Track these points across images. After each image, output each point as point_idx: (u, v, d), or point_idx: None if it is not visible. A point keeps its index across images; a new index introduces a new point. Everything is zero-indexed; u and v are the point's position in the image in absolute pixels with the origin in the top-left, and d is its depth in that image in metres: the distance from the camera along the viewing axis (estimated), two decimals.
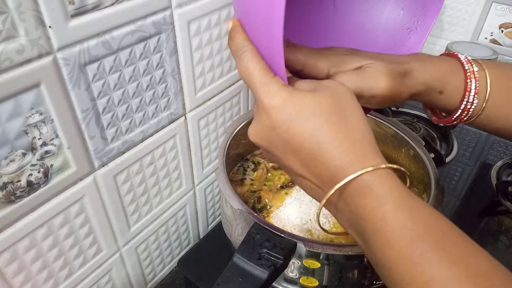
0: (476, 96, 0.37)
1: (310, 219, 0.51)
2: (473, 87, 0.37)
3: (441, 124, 0.42)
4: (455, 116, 0.39)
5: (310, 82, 0.31)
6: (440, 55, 0.41)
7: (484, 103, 0.37)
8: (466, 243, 0.25)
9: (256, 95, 0.30)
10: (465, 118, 0.39)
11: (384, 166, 0.27)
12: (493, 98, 0.37)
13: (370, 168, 0.27)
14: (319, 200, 0.30)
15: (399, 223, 0.26)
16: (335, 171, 0.28)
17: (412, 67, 0.36)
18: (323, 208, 0.30)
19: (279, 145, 0.30)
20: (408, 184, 0.33)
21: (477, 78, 0.37)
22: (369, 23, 0.42)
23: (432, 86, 0.37)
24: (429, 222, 0.26)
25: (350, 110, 0.29)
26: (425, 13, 0.40)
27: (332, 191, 0.28)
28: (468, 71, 0.37)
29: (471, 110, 0.38)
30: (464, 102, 0.37)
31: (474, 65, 0.37)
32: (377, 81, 0.34)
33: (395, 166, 0.28)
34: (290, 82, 0.31)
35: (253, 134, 0.31)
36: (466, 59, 0.38)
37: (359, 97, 0.34)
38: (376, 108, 0.38)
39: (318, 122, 0.28)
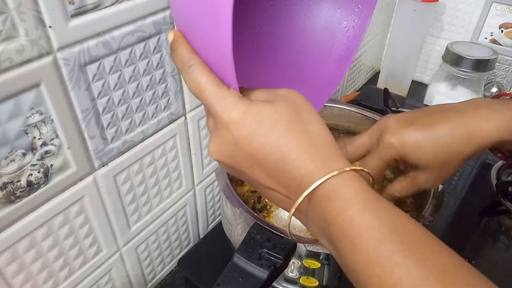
0: None
1: None
2: None
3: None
4: None
5: (265, 92, 0.31)
6: (502, 98, 0.40)
7: None
8: (432, 241, 0.25)
9: (212, 111, 0.29)
10: None
11: (348, 168, 0.27)
12: None
13: (336, 172, 0.27)
14: (289, 210, 0.30)
15: (366, 225, 0.26)
16: (301, 179, 0.27)
17: (476, 131, 0.36)
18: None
19: (243, 160, 0.29)
20: (372, 185, 0.32)
21: None
22: (309, 23, 0.41)
23: (505, 140, 0.37)
24: (395, 223, 0.26)
25: (308, 116, 0.29)
26: (361, 11, 0.39)
27: (300, 199, 0.27)
28: None
29: None
30: None
31: None
32: (432, 182, 0.38)
33: (358, 168, 0.28)
34: (243, 92, 0.30)
35: (214, 152, 0.30)
36: None
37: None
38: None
39: (280, 132, 0.28)
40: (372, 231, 0.25)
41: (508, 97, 0.39)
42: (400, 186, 0.43)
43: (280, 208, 0.54)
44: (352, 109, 0.62)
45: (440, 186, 0.47)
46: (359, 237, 0.26)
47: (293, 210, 0.28)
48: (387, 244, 0.25)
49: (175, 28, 0.32)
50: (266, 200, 0.56)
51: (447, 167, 0.40)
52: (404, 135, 0.39)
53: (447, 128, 0.38)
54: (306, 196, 0.27)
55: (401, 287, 0.23)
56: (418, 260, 0.24)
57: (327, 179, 0.27)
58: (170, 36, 0.31)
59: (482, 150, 0.38)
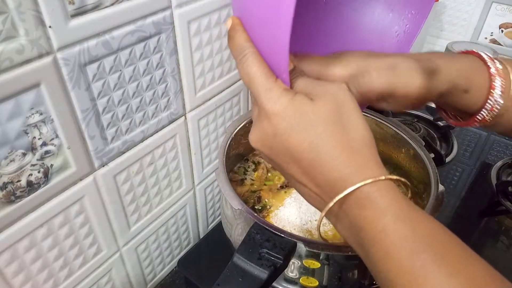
0: (502, 94, 0.35)
1: (310, 220, 0.51)
2: (498, 85, 0.35)
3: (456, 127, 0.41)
4: (479, 117, 0.36)
5: (314, 84, 0.30)
6: (458, 53, 0.39)
7: (510, 103, 0.35)
8: (466, 253, 0.25)
9: (258, 100, 0.30)
10: (488, 119, 0.36)
11: (384, 177, 0.27)
12: None
13: (370, 180, 0.27)
14: (320, 209, 0.30)
15: (399, 234, 0.26)
16: (334, 183, 0.27)
17: (438, 64, 0.35)
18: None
19: (280, 153, 0.30)
20: (409, 194, 0.32)
21: (502, 76, 0.35)
22: (361, 24, 0.41)
23: (457, 84, 0.35)
24: (429, 233, 0.26)
25: (350, 117, 0.29)
26: (414, 17, 0.39)
27: (332, 203, 0.28)
28: (491, 68, 0.35)
29: (495, 110, 0.35)
30: (491, 102, 0.35)
31: (497, 63, 0.36)
32: (412, 78, 0.32)
33: (395, 177, 0.28)
34: (292, 79, 0.30)
35: (255, 140, 0.31)
36: (488, 57, 0.36)
37: (390, 96, 0.32)
38: (400, 110, 0.37)
39: (317, 132, 0.28)
40: (405, 241, 0.25)
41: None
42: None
43: (280, 208, 0.54)
44: None
45: (441, 186, 0.47)
46: (392, 246, 0.26)
47: (324, 212, 0.29)
48: (421, 254, 0.25)
49: (233, 14, 0.32)
50: (266, 200, 0.56)
51: (421, 70, 0.35)
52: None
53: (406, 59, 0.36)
54: (338, 200, 0.27)
55: None
56: (451, 272, 0.24)
57: (360, 186, 0.26)
58: (228, 23, 0.32)
59: (442, 81, 0.35)
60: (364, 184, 0.26)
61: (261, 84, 0.29)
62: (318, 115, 0.28)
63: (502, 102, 0.35)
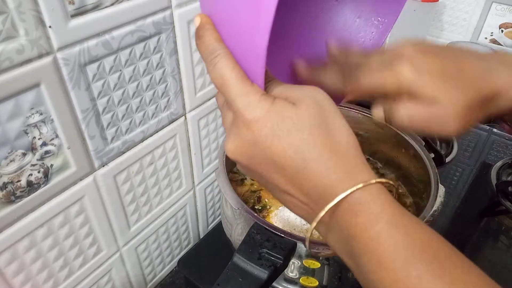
0: None
1: None
2: None
3: None
4: None
5: (289, 88, 0.28)
6: None
7: None
8: (461, 261, 0.25)
9: (233, 106, 0.27)
10: None
11: (374, 181, 0.26)
12: None
13: (361, 185, 0.25)
14: (308, 219, 0.28)
15: (393, 242, 0.24)
16: (323, 190, 0.26)
17: (503, 86, 0.31)
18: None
19: (262, 162, 0.27)
20: (395, 196, 0.31)
21: None
22: (329, 26, 0.40)
23: None
24: (423, 240, 0.25)
25: (334, 121, 0.27)
26: (380, 24, 0.38)
27: (323, 212, 0.26)
28: None
29: None
30: None
31: None
32: (451, 123, 0.30)
33: (384, 180, 0.27)
34: (266, 86, 0.28)
35: (232, 150, 0.28)
36: None
37: (419, 130, 0.31)
38: None
39: (302, 137, 0.26)
40: (400, 249, 0.24)
41: None
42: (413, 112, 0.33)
43: (280, 208, 0.54)
44: (352, 108, 0.62)
45: (441, 186, 0.47)
46: (385, 255, 0.24)
47: (314, 223, 0.27)
48: (416, 264, 0.24)
49: (201, 12, 0.30)
50: (266, 200, 0.56)
51: (465, 110, 0.32)
52: (422, 63, 0.32)
53: (472, 66, 0.32)
54: (329, 208, 0.26)
55: None
56: (448, 281, 0.23)
57: (352, 192, 0.25)
58: (197, 21, 0.29)
59: (501, 106, 0.32)
60: (356, 189, 0.25)
61: (237, 88, 0.27)
62: (302, 120, 0.26)
63: None
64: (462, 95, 0.30)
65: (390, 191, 0.27)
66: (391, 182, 0.28)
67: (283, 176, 0.27)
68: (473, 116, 0.31)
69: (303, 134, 0.26)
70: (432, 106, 0.30)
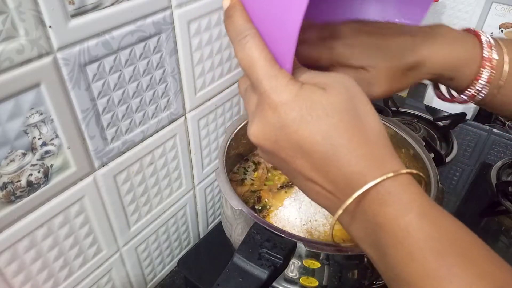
0: (487, 85, 0.35)
1: (309, 220, 0.51)
2: (484, 76, 0.35)
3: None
4: (462, 99, 0.37)
5: (319, 75, 0.28)
6: (463, 30, 0.38)
7: (497, 90, 0.35)
8: (491, 255, 0.24)
9: (260, 88, 0.27)
10: (472, 102, 0.37)
11: (404, 171, 0.25)
12: (510, 84, 0.35)
13: (391, 174, 0.24)
14: (331, 209, 0.27)
15: (424, 234, 0.24)
16: (351, 178, 0.25)
17: (424, 56, 0.34)
18: (327, 213, 0.28)
19: (286, 147, 0.27)
20: (424, 189, 0.31)
21: (494, 67, 0.34)
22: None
23: (441, 75, 0.35)
24: (453, 233, 0.24)
25: (364, 108, 0.27)
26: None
27: (350, 200, 0.25)
28: (485, 58, 0.35)
29: (479, 97, 0.36)
30: (473, 91, 0.36)
31: (494, 51, 0.35)
32: (376, 86, 0.33)
33: (414, 171, 0.26)
34: (294, 72, 0.28)
35: (255, 134, 0.27)
36: (488, 43, 0.35)
37: None
38: None
39: (332, 123, 0.25)
40: (430, 241, 0.23)
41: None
42: None
43: (280, 208, 0.54)
44: None
45: (441, 186, 0.47)
46: (415, 246, 0.23)
47: (340, 211, 0.26)
48: (447, 256, 0.23)
49: None
50: (266, 200, 0.56)
51: (389, 76, 0.36)
52: (355, 40, 0.36)
53: (398, 40, 0.36)
54: (356, 197, 0.25)
55: None
56: (479, 274, 0.23)
57: (382, 180, 0.24)
58: (226, 2, 0.29)
59: (424, 73, 0.36)
60: (386, 178, 0.24)
61: (265, 70, 0.26)
62: (331, 105, 0.25)
63: (485, 92, 0.36)
64: (386, 63, 0.34)
65: (419, 182, 0.27)
66: (421, 174, 0.27)
67: (308, 162, 0.26)
68: (397, 81, 0.35)
69: (333, 119, 0.25)
70: (360, 72, 0.34)
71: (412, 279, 0.23)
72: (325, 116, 0.25)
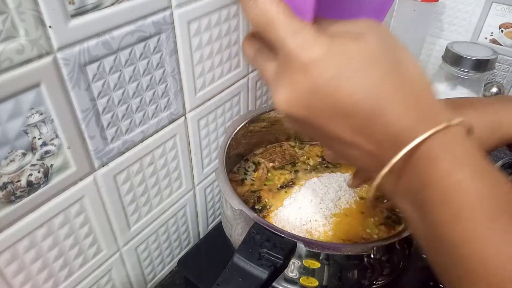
0: None
1: (310, 220, 0.51)
2: None
3: None
4: None
5: (347, 24, 0.24)
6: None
7: None
8: None
9: (285, 48, 0.23)
10: None
11: (456, 121, 0.23)
12: None
13: (442, 126, 0.22)
14: (374, 171, 0.25)
15: (477, 192, 0.21)
16: (399, 133, 0.23)
17: (504, 121, 0.32)
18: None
19: (324, 111, 0.24)
20: None
21: None
22: None
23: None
24: (508, 192, 0.22)
25: (402, 56, 0.24)
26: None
27: (398, 156, 0.23)
28: None
29: None
30: None
31: None
32: None
33: (466, 120, 0.23)
34: (314, 24, 0.24)
35: (285, 102, 0.24)
36: None
37: None
38: None
39: (374, 76, 0.22)
40: (485, 200, 0.21)
41: None
42: None
43: (280, 208, 0.54)
44: None
45: None
46: (467, 206, 0.21)
47: (386, 169, 0.23)
48: (501, 217, 0.21)
49: None
50: (266, 200, 0.56)
51: None
52: None
53: (473, 115, 0.33)
54: (406, 153, 0.22)
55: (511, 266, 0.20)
56: None
57: (433, 133, 0.22)
58: None
59: (505, 143, 0.34)
60: (437, 131, 0.22)
61: (286, 26, 0.23)
62: (370, 56, 0.23)
63: None
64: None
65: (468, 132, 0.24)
66: (471, 125, 0.24)
67: (349, 125, 0.24)
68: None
69: (375, 71, 0.23)
70: None
71: (458, 241, 0.22)
72: (364, 70, 0.23)
